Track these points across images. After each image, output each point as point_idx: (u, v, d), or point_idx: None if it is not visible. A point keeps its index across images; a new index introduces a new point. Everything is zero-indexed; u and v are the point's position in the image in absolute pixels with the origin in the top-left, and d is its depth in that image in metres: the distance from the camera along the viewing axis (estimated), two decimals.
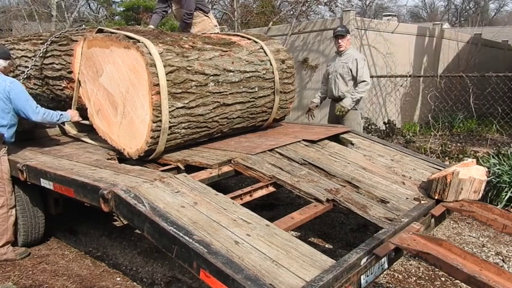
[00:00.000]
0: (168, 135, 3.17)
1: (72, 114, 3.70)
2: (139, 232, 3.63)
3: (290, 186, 2.87)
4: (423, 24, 11.34)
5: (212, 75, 3.41)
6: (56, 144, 3.81)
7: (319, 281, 1.78)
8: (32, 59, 4.14)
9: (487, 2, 39.69)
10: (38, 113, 3.37)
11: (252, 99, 3.82)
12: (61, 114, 3.55)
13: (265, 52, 4.02)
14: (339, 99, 4.79)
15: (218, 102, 3.49)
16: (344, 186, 2.91)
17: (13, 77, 4.54)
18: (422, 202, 2.83)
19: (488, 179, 4.27)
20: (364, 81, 4.66)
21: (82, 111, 3.82)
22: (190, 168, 3.11)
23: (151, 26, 5.03)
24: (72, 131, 4.05)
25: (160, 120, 3.06)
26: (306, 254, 1.99)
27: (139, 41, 3.09)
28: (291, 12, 11.78)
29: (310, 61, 8.08)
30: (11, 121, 3.38)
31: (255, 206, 4.27)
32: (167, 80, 3.05)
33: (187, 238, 1.99)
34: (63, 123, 3.87)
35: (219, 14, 14.22)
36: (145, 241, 3.72)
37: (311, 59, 8.09)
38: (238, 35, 4.23)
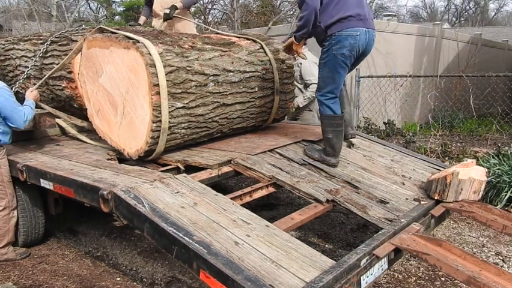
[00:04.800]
0: (168, 135, 3.16)
1: (31, 97, 3.52)
2: (139, 232, 3.64)
3: (290, 187, 2.87)
4: (423, 24, 11.33)
5: (212, 76, 3.40)
6: (56, 144, 3.81)
7: (319, 281, 1.78)
8: (32, 59, 4.15)
9: (487, 2, 39.68)
10: (26, 121, 3.29)
11: (252, 99, 3.82)
12: (31, 108, 3.41)
13: (265, 52, 4.02)
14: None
15: (218, 102, 3.49)
16: (344, 187, 2.91)
17: (13, 77, 4.56)
18: (422, 202, 2.83)
19: (488, 179, 4.28)
20: (308, 80, 4.95)
21: (82, 111, 3.82)
22: (190, 169, 3.11)
23: (143, 17, 5.44)
24: (72, 131, 4.05)
25: (160, 121, 3.06)
26: (305, 255, 1.99)
27: (138, 41, 3.09)
28: (291, 12, 11.78)
29: None
30: (4, 127, 3.26)
31: (255, 206, 4.27)
32: (167, 80, 3.04)
33: (187, 239, 1.99)
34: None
35: (219, 14, 14.21)
36: (145, 241, 3.72)
37: None
38: (237, 36, 4.23)
